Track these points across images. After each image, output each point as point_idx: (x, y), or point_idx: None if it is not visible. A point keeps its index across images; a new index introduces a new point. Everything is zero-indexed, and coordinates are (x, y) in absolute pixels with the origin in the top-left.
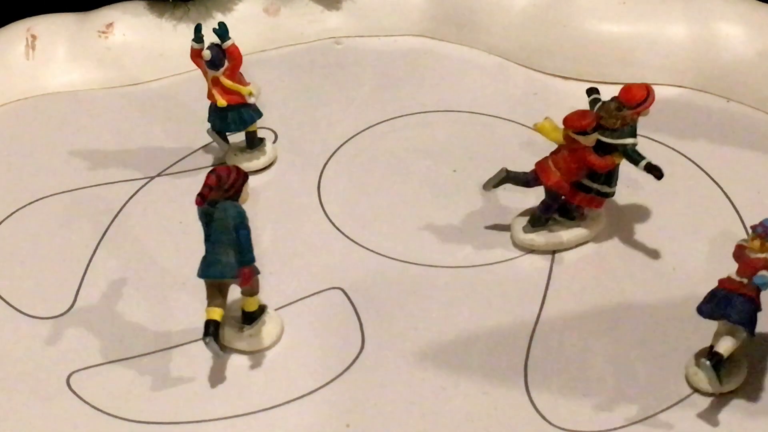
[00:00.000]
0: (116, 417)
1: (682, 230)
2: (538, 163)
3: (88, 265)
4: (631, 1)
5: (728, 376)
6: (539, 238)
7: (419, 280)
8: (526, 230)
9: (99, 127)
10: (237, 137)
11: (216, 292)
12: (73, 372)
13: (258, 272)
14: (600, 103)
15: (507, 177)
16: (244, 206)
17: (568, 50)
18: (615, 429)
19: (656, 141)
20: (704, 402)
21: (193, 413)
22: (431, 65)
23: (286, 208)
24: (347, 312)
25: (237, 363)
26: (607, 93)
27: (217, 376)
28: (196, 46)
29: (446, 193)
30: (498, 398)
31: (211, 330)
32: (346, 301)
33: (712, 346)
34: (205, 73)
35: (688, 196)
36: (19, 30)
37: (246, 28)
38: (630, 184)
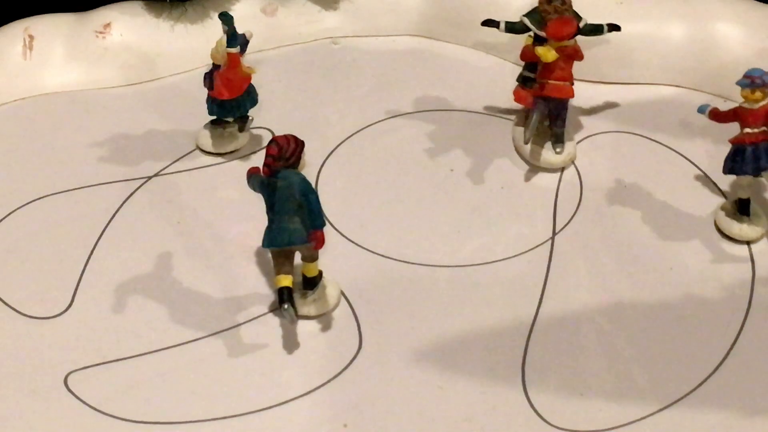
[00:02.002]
0: (114, 417)
1: (680, 230)
2: (542, 91)
3: (85, 265)
4: (628, 1)
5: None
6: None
7: (416, 280)
8: (559, 150)
9: (96, 127)
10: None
11: (284, 260)
12: (71, 372)
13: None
14: (535, 11)
15: (537, 120)
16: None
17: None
18: (613, 428)
19: (655, 141)
20: (703, 401)
21: (191, 413)
22: (428, 65)
23: None
24: (345, 312)
25: (236, 363)
26: (607, 93)
27: (215, 376)
28: (233, 50)
29: (443, 192)
30: (496, 398)
31: (285, 296)
32: (344, 300)
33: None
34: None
35: (685, 195)
36: (17, 30)
37: (244, 28)
38: (627, 185)
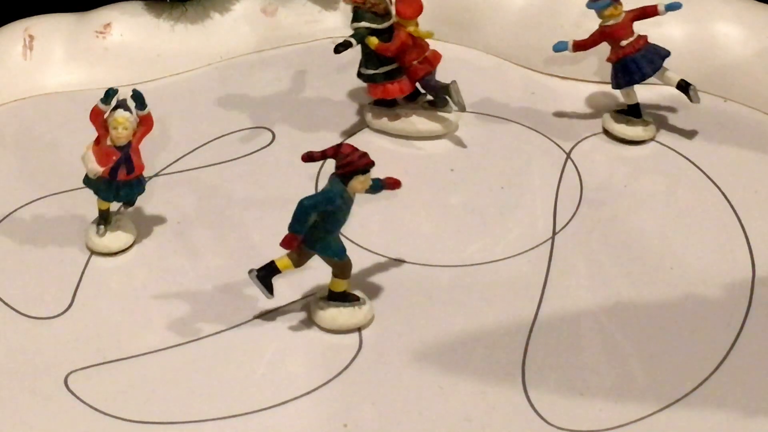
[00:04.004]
0: (114, 417)
1: (680, 230)
2: (421, 70)
3: (85, 266)
4: (628, 1)
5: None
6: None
7: (416, 280)
8: (449, 109)
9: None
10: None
11: (299, 254)
12: (71, 372)
13: (345, 259)
14: (358, 13)
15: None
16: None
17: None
18: (613, 428)
19: (654, 141)
20: (703, 401)
21: (191, 413)
22: None
23: (285, 207)
24: None
25: (236, 363)
26: (607, 93)
27: (215, 377)
28: (102, 106)
29: (443, 192)
30: (496, 398)
31: (265, 268)
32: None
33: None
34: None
35: (685, 195)
36: (17, 30)
37: (244, 28)
38: (627, 183)
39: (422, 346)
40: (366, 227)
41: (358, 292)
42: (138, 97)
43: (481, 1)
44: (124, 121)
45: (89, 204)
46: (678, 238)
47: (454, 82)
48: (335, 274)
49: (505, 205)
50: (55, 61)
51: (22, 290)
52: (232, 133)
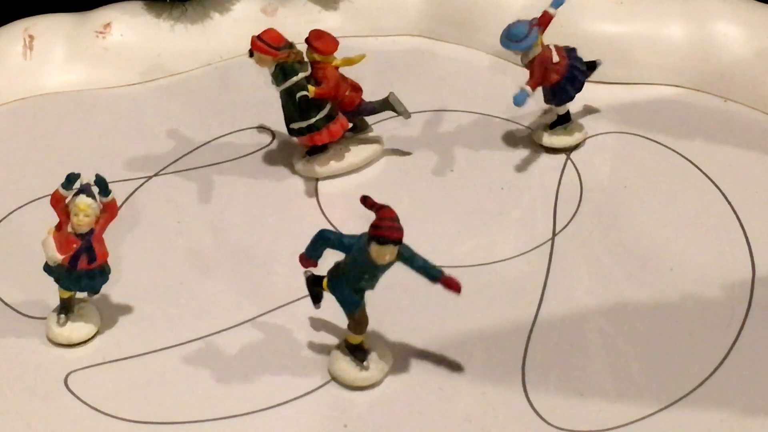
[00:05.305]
0: (114, 417)
1: (680, 230)
2: (353, 96)
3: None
4: (628, 0)
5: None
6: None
7: (417, 280)
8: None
9: (96, 128)
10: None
11: None
12: (71, 372)
13: (354, 313)
14: (282, 67)
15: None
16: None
17: None
18: (613, 429)
19: (653, 140)
20: (703, 401)
21: (192, 413)
22: (429, 65)
23: (285, 207)
24: None
25: (236, 363)
26: (607, 93)
27: (215, 376)
28: (63, 192)
29: (443, 192)
30: (496, 398)
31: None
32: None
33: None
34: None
35: (685, 195)
36: (17, 30)
37: (244, 28)
38: (627, 185)
39: (422, 347)
40: (365, 227)
41: (379, 349)
42: (101, 183)
43: (481, 1)
44: (85, 207)
45: None
46: (678, 239)
47: (391, 93)
48: (348, 326)
49: (505, 205)
50: (55, 61)
51: (22, 290)
52: (232, 133)
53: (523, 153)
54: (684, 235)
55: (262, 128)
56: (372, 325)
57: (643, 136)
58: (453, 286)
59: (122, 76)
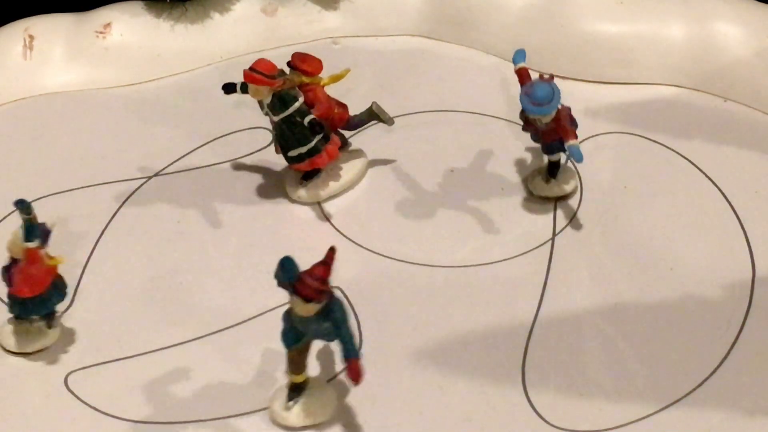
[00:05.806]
0: (114, 417)
1: (680, 230)
2: (341, 113)
3: (85, 265)
4: (628, 1)
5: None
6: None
7: (417, 280)
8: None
9: (96, 128)
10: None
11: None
12: (71, 372)
13: (289, 355)
14: (280, 97)
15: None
16: None
17: (565, 50)
18: (612, 428)
19: (653, 141)
20: (703, 401)
21: (191, 413)
22: (429, 65)
23: (284, 208)
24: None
25: (236, 363)
26: (607, 93)
27: (215, 376)
28: (31, 245)
29: (443, 192)
30: (496, 398)
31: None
32: (344, 300)
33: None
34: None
35: (685, 195)
36: (17, 30)
37: (243, 28)
38: (627, 185)
39: (422, 346)
40: (366, 227)
41: (316, 402)
42: (27, 228)
43: (481, 1)
44: (14, 235)
45: (89, 204)
46: (678, 239)
47: (374, 103)
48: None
49: (504, 205)
50: (55, 61)
51: None
52: (232, 133)
53: (523, 153)
54: (684, 235)
55: (261, 128)
56: (372, 324)
57: (643, 136)
58: (353, 375)
59: (122, 76)
